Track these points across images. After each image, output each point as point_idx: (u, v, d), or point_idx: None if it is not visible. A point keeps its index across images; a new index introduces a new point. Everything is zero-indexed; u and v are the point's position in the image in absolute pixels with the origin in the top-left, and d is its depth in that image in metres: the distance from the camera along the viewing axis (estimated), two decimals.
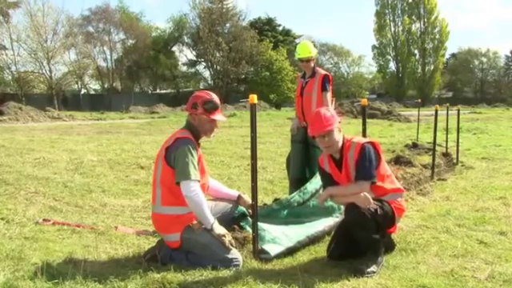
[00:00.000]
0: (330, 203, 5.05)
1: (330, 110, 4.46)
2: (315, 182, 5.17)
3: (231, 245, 3.99)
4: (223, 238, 3.93)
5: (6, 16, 43.81)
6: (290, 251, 4.38)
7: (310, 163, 6.26)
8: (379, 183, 4.15)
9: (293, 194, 5.17)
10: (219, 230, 3.96)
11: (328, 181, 4.38)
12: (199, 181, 3.96)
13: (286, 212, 4.95)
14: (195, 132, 4.16)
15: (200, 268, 3.77)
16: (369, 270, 3.80)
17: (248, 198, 4.43)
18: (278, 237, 4.40)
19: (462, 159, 10.47)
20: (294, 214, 4.96)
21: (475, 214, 5.81)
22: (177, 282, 3.48)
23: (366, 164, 4.09)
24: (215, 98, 4.22)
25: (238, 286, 3.50)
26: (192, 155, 3.96)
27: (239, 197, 4.55)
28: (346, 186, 4.18)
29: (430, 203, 6.52)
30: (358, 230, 3.98)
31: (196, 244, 3.96)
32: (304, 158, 6.35)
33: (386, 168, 4.32)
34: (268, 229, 4.42)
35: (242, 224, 4.51)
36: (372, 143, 4.25)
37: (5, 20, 44.02)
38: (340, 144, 4.23)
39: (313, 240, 4.65)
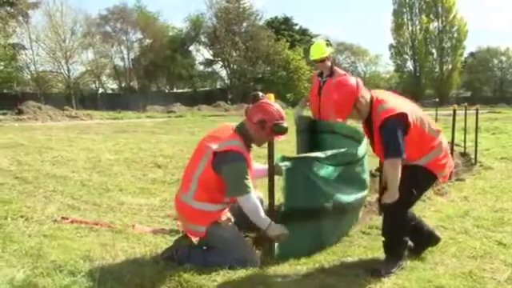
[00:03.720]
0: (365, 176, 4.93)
1: (346, 82, 3.98)
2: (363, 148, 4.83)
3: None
4: (279, 238, 3.94)
5: (25, 16, 44.21)
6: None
7: (320, 150, 6.06)
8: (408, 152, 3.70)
9: (346, 149, 4.78)
10: (274, 231, 3.91)
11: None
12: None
13: (334, 173, 4.58)
14: (248, 140, 4.08)
15: (217, 267, 3.77)
16: (386, 271, 3.76)
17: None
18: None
19: (481, 159, 10.31)
20: (338, 177, 4.58)
21: (494, 214, 5.73)
22: (194, 281, 3.49)
23: (390, 140, 3.66)
24: (285, 118, 4.11)
25: (254, 286, 3.51)
26: (245, 170, 3.90)
27: (275, 166, 4.30)
28: (388, 179, 3.76)
29: (448, 203, 6.43)
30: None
31: (219, 238, 3.94)
32: (312, 147, 5.97)
33: (417, 130, 3.80)
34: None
35: None
36: (397, 116, 3.68)
37: (24, 20, 44.44)
38: (367, 109, 3.89)
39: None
